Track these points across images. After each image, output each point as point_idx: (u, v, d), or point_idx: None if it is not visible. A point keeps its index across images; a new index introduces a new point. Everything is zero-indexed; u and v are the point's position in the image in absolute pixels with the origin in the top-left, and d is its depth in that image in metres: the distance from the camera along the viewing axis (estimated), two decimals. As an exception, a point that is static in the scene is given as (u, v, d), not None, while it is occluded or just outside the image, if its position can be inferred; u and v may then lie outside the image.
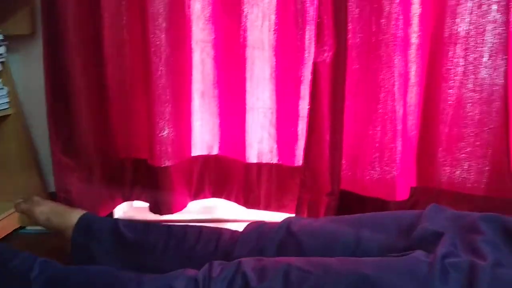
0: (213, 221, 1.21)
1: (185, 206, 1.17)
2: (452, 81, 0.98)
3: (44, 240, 1.09)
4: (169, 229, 0.89)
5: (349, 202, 1.04)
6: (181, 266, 0.72)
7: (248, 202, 1.15)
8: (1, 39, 1.15)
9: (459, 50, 0.96)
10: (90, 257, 0.88)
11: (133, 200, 1.22)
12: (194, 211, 1.21)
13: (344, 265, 0.64)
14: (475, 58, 0.95)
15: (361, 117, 1.02)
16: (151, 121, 1.06)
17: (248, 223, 0.86)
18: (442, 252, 0.61)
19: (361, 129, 1.02)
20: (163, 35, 1.02)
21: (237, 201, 1.17)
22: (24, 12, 1.17)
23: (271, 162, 1.12)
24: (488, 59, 0.95)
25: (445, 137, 1.00)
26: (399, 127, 0.98)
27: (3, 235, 1.12)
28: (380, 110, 0.99)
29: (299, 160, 1.09)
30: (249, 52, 1.06)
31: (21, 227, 1.18)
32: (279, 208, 1.14)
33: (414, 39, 0.98)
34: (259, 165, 1.13)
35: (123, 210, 1.26)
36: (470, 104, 0.98)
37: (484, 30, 0.93)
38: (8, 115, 1.19)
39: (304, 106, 1.05)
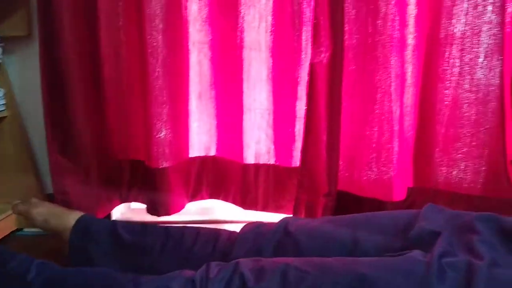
0: (211, 222, 1.21)
1: (182, 207, 1.17)
2: (448, 82, 0.98)
3: (41, 242, 1.09)
4: (167, 230, 0.89)
5: (346, 203, 1.05)
6: (179, 267, 0.72)
7: (246, 203, 1.15)
8: (-2, 41, 1.15)
9: (455, 51, 0.96)
10: (88, 258, 0.87)
11: (130, 201, 1.21)
12: (191, 212, 1.21)
13: (341, 265, 0.64)
14: (471, 59, 0.96)
15: (358, 118, 1.02)
16: (148, 122, 1.06)
17: (245, 224, 0.86)
18: (439, 252, 0.62)
19: (358, 130, 1.02)
20: (160, 36, 1.02)
21: (234, 202, 1.17)
22: (20, 14, 1.17)
23: (269, 163, 1.13)
24: (483, 60, 0.95)
25: (442, 137, 1.01)
26: (396, 127, 0.98)
27: (0, 237, 1.12)
28: (377, 111, 0.99)
29: (296, 161, 1.09)
30: (246, 53, 1.06)
31: (18, 229, 1.18)
32: (276, 209, 1.14)
33: (410, 40, 0.98)
34: (257, 166, 1.13)
35: (121, 212, 1.25)
36: (467, 104, 0.98)
37: (480, 31, 0.94)
38: (5, 117, 1.19)
39: (301, 107, 1.05)
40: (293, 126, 1.08)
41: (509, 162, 0.97)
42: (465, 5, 0.94)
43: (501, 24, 0.92)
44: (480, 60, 0.95)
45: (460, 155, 1.00)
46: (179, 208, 1.16)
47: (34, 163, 1.26)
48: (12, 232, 1.16)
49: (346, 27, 0.97)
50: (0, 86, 1.17)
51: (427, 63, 0.99)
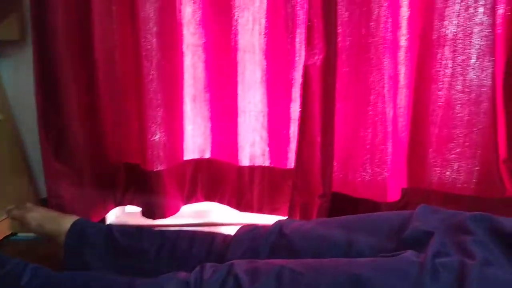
0: (206, 225, 1.21)
1: (178, 210, 1.16)
2: (441, 83, 0.99)
3: (35, 246, 1.08)
4: (162, 234, 0.89)
5: (341, 204, 1.05)
6: (174, 271, 0.72)
7: (241, 205, 1.15)
8: (-9, 45, 1.15)
9: (447, 52, 0.97)
10: (83, 262, 0.87)
11: (125, 205, 1.21)
12: (187, 215, 1.21)
13: (336, 266, 0.65)
14: (463, 60, 0.97)
15: (351, 119, 1.03)
16: (143, 126, 1.06)
17: (240, 226, 0.87)
18: (433, 252, 0.62)
19: (352, 131, 1.03)
20: (154, 40, 1.02)
21: (229, 204, 1.17)
22: (13, 18, 1.16)
23: (263, 165, 1.13)
24: (476, 61, 0.96)
25: (435, 138, 1.01)
26: (390, 128, 0.99)
27: (-6, 242, 1.12)
28: (370, 112, 1.00)
29: (291, 163, 1.10)
30: (240, 56, 1.07)
31: (12, 234, 1.17)
32: (272, 211, 1.14)
33: (403, 41, 0.99)
34: (252, 168, 1.13)
35: (116, 215, 1.25)
36: (459, 105, 0.99)
37: (471, 33, 0.95)
38: (-2, 121, 1.19)
39: (295, 108, 1.06)
40: (288, 128, 1.09)
41: (502, 162, 0.98)
42: (457, 7, 0.95)
43: (492, 25, 0.92)
44: (472, 61, 0.96)
45: (453, 156, 1.01)
46: (174, 211, 1.15)
47: (28, 167, 1.25)
48: (6, 237, 1.15)
49: (340, 29, 0.98)
50: (-7, 90, 1.17)
51: (420, 65, 1.00)
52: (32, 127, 1.12)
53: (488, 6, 0.92)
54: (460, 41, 0.96)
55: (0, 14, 1.16)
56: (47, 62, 1.06)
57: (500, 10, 0.92)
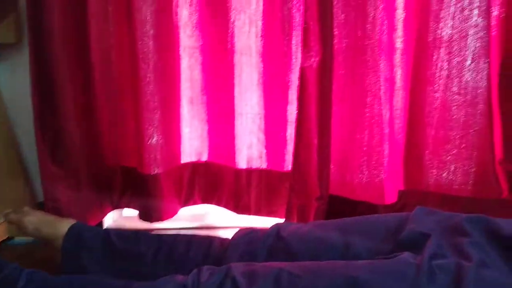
0: (204, 228, 1.21)
1: (175, 213, 1.16)
2: (437, 85, 0.99)
3: (32, 250, 1.08)
4: (160, 237, 0.89)
5: (338, 206, 1.05)
6: (171, 274, 0.72)
7: (238, 207, 1.15)
8: (-13, 49, 1.15)
9: (443, 54, 0.98)
10: (80, 266, 0.87)
11: (122, 208, 1.21)
12: (184, 218, 1.21)
13: (334, 268, 0.65)
14: (458, 62, 0.97)
15: (348, 121, 1.03)
16: (140, 128, 1.06)
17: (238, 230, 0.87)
18: (429, 254, 0.62)
19: (349, 133, 1.03)
20: (151, 42, 1.02)
21: (227, 207, 1.17)
22: (9, 21, 1.16)
23: (261, 167, 1.13)
24: (471, 63, 0.96)
25: (432, 139, 1.02)
26: (386, 130, 0.99)
27: (-9, 246, 1.11)
28: (367, 114, 1.00)
29: (288, 165, 1.10)
30: (237, 58, 1.07)
31: (9, 238, 1.17)
32: (269, 213, 1.14)
33: (399, 43, 0.99)
34: (249, 171, 1.13)
35: (113, 219, 1.25)
36: (455, 107, 0.99)
37: (467, 35, 0.95)
38: (-5, 124, 1.19)
39: (292, 111, 1.06)
40: (285, 130, 1.09)
41: (498, 163, 0.98)
42: (452, 9, 0.95)
43: (487, 27, 0.93)
44: (468, 63, 0.97)
45: (450, 157, 1.01)
46: (171, 213, 1.15)
47: (24, 171, 1.25)
48: (3, 241, 1.15)
49: (336, 32, 0.98)
50: (-11, 93, 1.17)
51: (415, 67, 1.01)
52: (28, 129, 1.12)
53: (483, 8, 0.92)
54: (455, 43, 0.96)
55: (-3, 17, 1.16)
56: (43, 64, 1.06)
57: (495, 12, 0.93)
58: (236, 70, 1.07)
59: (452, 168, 1.01)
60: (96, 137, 1.13)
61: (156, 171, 1.08)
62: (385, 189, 1.01)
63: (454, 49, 0.96)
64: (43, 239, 0.95)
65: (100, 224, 1.19)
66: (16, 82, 1.21)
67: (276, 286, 0.64)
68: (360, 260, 0.67)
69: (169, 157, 1.11)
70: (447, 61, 0.97)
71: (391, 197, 1.03)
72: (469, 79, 0.97)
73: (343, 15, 0.98)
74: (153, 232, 0.93)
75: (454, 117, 0.99)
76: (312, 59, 0.98)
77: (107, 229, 0.94)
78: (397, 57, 1.00)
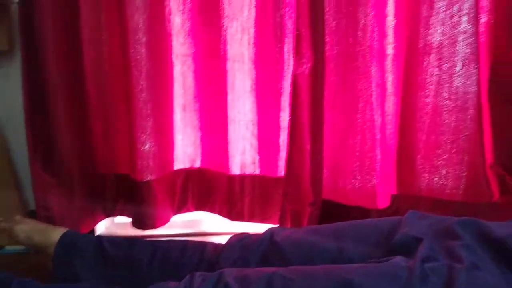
0: (197, 235, 1.20)
1: (168, 220, 1.16)
2: (428, 90, 1.00)
3: (23, 259, 1.07)
4: (153, 243, 0.88)
5: (331, 211, 1.05)
6: (165, 280, 0.72)
7: (232, 214, 1.15)
8: (-22, 56, 1.14)
9: (433, 60, 0.99)
10: (73, 274, 0.86)
11: (115, 215, 1.20)
12: (177, 225, 1.21)
13: (327, 272, 0.65)
14: (448, 68, 0.98)
15: (340, 127, 1.04)
16: (133, 135, 1.06)
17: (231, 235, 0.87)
18: (422, 257, 0.63)
19: (341, 139, 1.04)
20: (144, 50, 1.03)
21: (220, 213, 1.17)
22: (1, 28, 1.16)
23: (254, 173, 1.13)
24: (461, 68, 0.98)
25: (423, 144, 1.03)
26: (378, 136, 1.00)
27: (-19, 255, 1.10)
28: (359, 120, 1.01)
29: (281, 171, 1.10)
30: (229, 65, 1.07)
31: (0, 247, 1.15)
32: (263, 220, 1.14)
33: (389, 50, 1.00)
34: (242, 177, 1.13)
35: (106, 226, 1.24)
36: (446, 112, 1.00)
37: (456, 41, 0.96)
38: (-14, 132, 1.18)
39: (285, 117, 1.06)
40: (278, 136, 1.09)
41: (488, 167, 0.99)
42: (442, 15, 0.96)
43: (476, 33, 0.94)
44: (458, 68, 0.98)
45: (441, 162, 1.02)
46: (164, 221, 1.15)
47: (16, 179, 1.24)
48: (-6, 250, 1.14)
49: (327, 39, 0.99)
50: (-19, 101, 1.16)
51: (406, 72, 1.02)
52: (20, 137, 1.11)
53: (472, 15, 0.94)
54: (445, 49, 0.97)
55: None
56: (35, 72, 1.05)
57: (483, 19, 0.95)
58: (228, 77, 1.08)
59: (444, 172, 1.02)
60: (89, 144, 1.12)
61: (149, 178, 1.08)
62: (378, 194, 1.02)
63: (444, 55, 0.98)
64: (35, 247, 0.94)
65: (92, 231, 1.18)
66: (8, 90, 1.20)
67: (269, 291, 0.64)
68: (354, 264, 0.67)
69: (162, 163, 1.11)
70: (437, 67, 0.99)
71: (383, 202, 1.04)
72: (459, 84, 0.98)
73: (334, 22, 0.99)
74: (147, 239, 0.92)
75: (445, 122, 1.00)
76: (304, 66, 0.99)
77: (99, 236, 0.93)
78: (388, 63, 1.01)
